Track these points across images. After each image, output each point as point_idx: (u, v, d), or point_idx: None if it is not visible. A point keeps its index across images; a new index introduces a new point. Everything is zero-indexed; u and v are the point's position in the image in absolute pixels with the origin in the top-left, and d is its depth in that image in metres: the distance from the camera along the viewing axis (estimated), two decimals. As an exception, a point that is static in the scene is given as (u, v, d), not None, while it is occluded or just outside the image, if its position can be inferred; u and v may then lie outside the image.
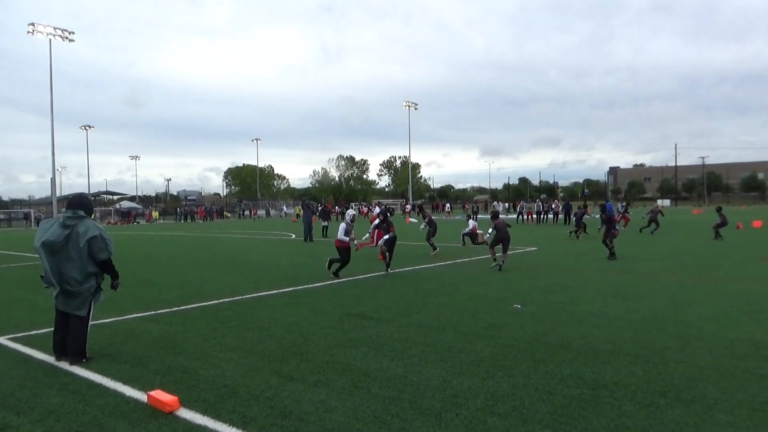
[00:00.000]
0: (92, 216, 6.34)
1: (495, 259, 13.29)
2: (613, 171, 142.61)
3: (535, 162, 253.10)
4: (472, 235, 19.69)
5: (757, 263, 13.69)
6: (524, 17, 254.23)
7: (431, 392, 4.78)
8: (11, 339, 7.06)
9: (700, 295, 9.37)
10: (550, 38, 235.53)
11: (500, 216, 14.13)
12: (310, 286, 11.04)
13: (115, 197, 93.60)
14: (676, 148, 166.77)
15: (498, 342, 6.44)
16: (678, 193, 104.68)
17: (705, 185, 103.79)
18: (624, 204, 35.00)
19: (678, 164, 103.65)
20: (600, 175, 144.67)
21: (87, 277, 5.85)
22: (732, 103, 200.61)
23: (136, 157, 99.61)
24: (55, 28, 48.86)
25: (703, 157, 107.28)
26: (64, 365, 5.78)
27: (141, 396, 4.78)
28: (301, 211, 32.74)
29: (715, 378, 5.06)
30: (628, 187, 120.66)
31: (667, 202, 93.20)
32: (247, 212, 70.72)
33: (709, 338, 6.50)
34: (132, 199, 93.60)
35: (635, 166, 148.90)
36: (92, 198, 68.27)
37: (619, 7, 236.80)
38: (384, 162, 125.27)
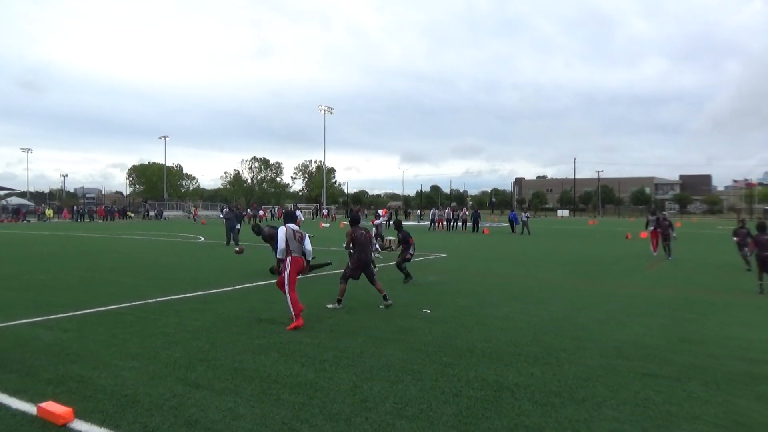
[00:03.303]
0: None
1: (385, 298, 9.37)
2: (519, 182, 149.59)
3: (453, 170, 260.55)
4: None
5: (642, 271, 14.92)
6: (438, 30, 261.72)
7: (341, 397, 4.81)
8: None
9: (593, 300, 10.08)
10: (462, 52, 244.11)
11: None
12: (220, 290, 10.73)
13: (2, 192, 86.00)
14: (575, 162, 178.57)
15: (408, 346, 6.59)
16: (576, 205, 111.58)
17: (600, 198, 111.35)
18: (527, 214, 36.87)
19: (577, 177, 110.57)
20: (508, 185, 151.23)
21: None
22: (624, 121, 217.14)
23: (28, 150, 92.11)
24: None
25: (598, 171, 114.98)
26: (-61, 376, 5.26)
27: (30, 408, 4.44)
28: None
29: (604, 377, 5.47)
30: (532, 198, 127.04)
31: (566, 213, 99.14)
32: (152, 213, 67.45)
33: (600, 339, 7.01)
34: (22, 195, 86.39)
35: (538, 177, 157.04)
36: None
37: (526, 28, 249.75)
38: (299, 165, 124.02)
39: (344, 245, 9.66)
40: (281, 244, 7.92)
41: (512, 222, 35.79)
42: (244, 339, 6.88)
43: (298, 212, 26.37)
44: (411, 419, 4.34)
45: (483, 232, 34.84)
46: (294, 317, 7.64)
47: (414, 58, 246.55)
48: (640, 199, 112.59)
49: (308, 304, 9.28)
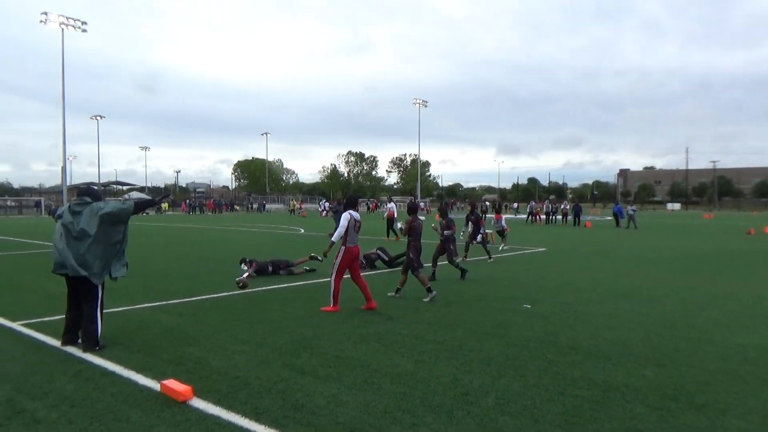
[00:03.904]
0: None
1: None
2: (624, 173, 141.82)
3: (552, 162, 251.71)
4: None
5: (769, 269, 13.59)
6: (533, 19, 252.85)
7: (442, 389, 4.79)
8: (24, 325, 7.14)
9: (710, 299, 9.32)
10: (559, 40, 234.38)
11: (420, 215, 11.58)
12: (321, 280, 11.08)
13: (125, 188, 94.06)
14: (687, 152, 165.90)
15: (508, 341, 6.44)
16: (688, 197, 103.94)
17: (716, 189, 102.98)
18: (633, 206, 34.84)
19: (689, 168, 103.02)
20: (611, 177, 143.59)
21: (96, 258, 5.93)
22: (743, 107, 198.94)
23: (146, 148, 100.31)
24: (67, 18, 49.10)
25: (714, 161, 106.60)
26: (77, 352, 5.84)
27: (154, 385, 4.82)
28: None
29: (726, 383, 5.04)
30: (639, 190, 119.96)
31: (677, 206, 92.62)
32: (255, 206, 70.90)
33: (719, 342, 6.47)
34: (141, 190, 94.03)
35: (645, 168, 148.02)
36: (102, 188, 68.69)
37: (630, 12, 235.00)
38: (394, 159, 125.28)
39: (403, 232, 9.77)
40: (341, 230, 8.03)
41: (617, 215, 34.00)
42: (345, 328, 7.04)
43: (421, 203, 26.05)
44: (514, 416, 4.23)
45: (585, 226, 33.39)
46: (333, 303, 8.05)
47: (508, 48, 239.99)
48: (763, 191, 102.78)
49: (403, 296, 9.34)
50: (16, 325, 7.13)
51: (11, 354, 5.85)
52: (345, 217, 8.06)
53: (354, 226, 8.12)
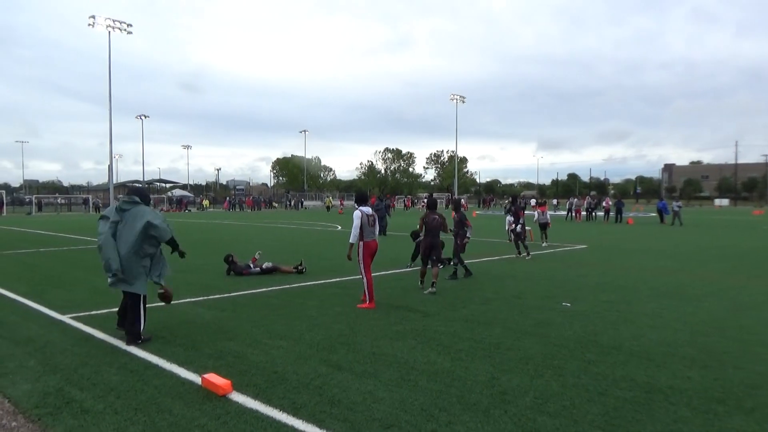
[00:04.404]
0: (150, 206, 6.62)
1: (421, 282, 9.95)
2: (668, 168, 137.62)
3: (594, 157, 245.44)
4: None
5: (825, 268, 12.97)
6: (573, 11, 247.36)
7: (479, 388, 4.75)
8: (74, 318, 7.41)
9: (762, 299, 8.96)
10: (601, 32, 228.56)
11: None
12: (357, 277, 11.11)
13: (168, 185, 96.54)
14: (736, 145, 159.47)
15: (547, 340, 6.34)
16: (737, 193, 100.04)
17: None
18: (679, 202, 33.72)
19: (739, 162, 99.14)
20: (655, 172, 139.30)
21: (140, 258, 6.10)
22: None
23: (188, 147, 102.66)
24: (113, 21, 50.62)
25: (766, 155, 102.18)
26: (123, 345, 6.03)
27: (195, 378, 4.94)
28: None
29: (779, 387, 4.83)
30: (684, 185, 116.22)
31: (725, 202, 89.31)
32: (292, 202, 71.77)
33: (771, 345, 6.21)
34: (184, 187, 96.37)
35: (692, 163, 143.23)
36: (146, 186, 70.71)
37: (676, 1, 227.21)
38: (430, 155, 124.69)
39: (418, 227, 10.01)
40: (355, 230, 8.11)
41: (661, 211, 33.00)
42: (381, 325, 7.06)
43: (462, 198, 25.29)
44: (553, 416, 4.16)
45: (627, 223, 32.55)
46: (368, 299, 8.06)
47: (547, 42, 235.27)
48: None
49: (440, 292, 9.30)
50: (65, 318, 7.42)
51: (62, 346, 6.08)
52: (356, 215, 8.13)
53: (368, 221, 8.21)
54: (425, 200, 11.00)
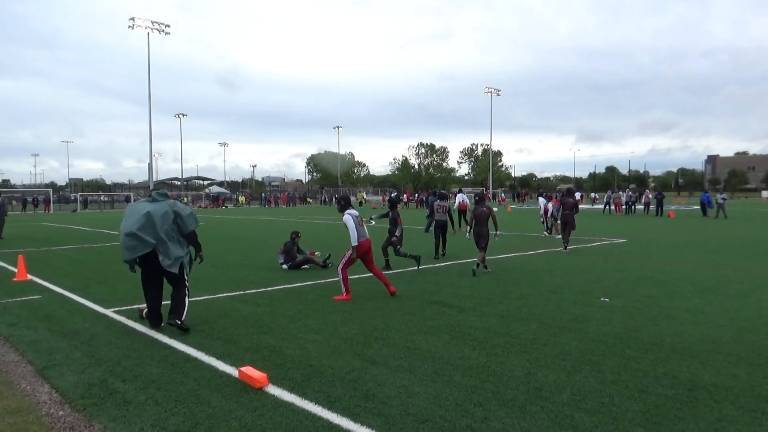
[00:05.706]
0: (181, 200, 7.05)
1: (477, 267, 10.80)
2: (712, 160, 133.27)
3: (636, 149, 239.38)
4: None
5: None
6: (611, 0, 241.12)
7: (515, 384, 4.69)
8: (116, 312, 7.64)
9: (812, 295, 8.59)
10: (639, 21, 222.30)
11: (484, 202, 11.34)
12: (391, 272, 11.13)
13: (205, 182, 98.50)
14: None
15: (585, 335, 6.22)
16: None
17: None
18: (723, 195, 32.62)
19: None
20: (698, 164, 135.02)
21: (178, 244, 6.56)
22: None
23: (224, 144, 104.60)
24: (152, 22, 51.82)
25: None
26: (164, 338, 6.18)
27: (233, 371, 5.03)
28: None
29: (832, 386, 4.63)
30: (729, 177, 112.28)
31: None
32: (326, 197, 72.27)
33: (823, 342, 5.95)
34: (221, 184, 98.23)
35: (737, 154, 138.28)
36: (185, 183, 72.22)
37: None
38: (464, 149, 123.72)
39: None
40: (353, 233, 8.40)
41: (704, 204, 31.99)
42: (416, 320, 7.05)
43: (493, 193, 25.71)
44: (591, 413, 4.08)
45: (668, 216, 31.67)
46: (345, 292, 8.41)
47: (583, 32, 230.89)
48: None
49: (475, 287, 9.23)
50: (109, 312, 7.65)
51: (106, 339, 6.27)
52: (348, 219, 8.46)
53: (359, 222, 8.55)
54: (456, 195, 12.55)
